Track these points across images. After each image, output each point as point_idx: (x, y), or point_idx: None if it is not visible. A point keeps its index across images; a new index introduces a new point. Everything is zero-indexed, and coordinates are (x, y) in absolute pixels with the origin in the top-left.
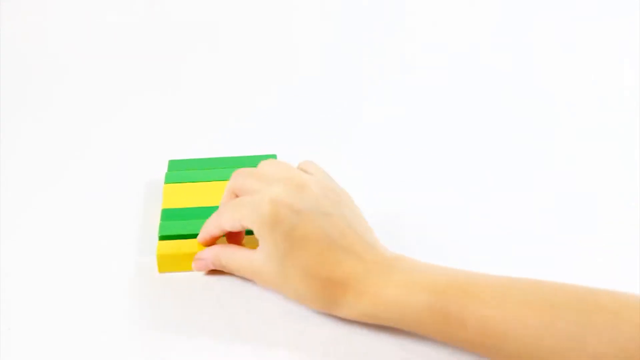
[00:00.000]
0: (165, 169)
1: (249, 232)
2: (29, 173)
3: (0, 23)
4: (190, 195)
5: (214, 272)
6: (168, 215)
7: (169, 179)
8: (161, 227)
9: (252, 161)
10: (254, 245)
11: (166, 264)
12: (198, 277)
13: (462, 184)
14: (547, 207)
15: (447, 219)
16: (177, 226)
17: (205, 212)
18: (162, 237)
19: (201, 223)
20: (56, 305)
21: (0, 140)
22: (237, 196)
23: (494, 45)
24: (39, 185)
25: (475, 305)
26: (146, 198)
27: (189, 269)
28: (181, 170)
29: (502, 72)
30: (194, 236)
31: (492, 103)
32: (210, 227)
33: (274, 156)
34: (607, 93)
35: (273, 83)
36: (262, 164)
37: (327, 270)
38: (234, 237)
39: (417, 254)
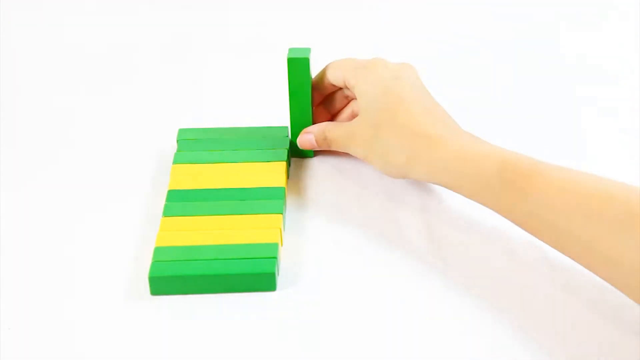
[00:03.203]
0: (174, 137)
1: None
2: (32, 148)
3: None
4: (199, 176)
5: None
6: (174, 196)
7: (178, 159)
8: (166, 208)
9: (263, 132)
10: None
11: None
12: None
13: None
14: None
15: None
16: (183, 208)
17: (213, 195)
18: (166, 216)
19: (207, 205)
20: (57, 299)
21: (4, 112)
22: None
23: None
24: (43, 161)
25: (539, 179)
26: (155, 168)
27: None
28: (190, 151)
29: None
30: (198, 217)
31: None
32: (316, 79)
33: (285, 128)
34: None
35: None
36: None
37: (420, 127)
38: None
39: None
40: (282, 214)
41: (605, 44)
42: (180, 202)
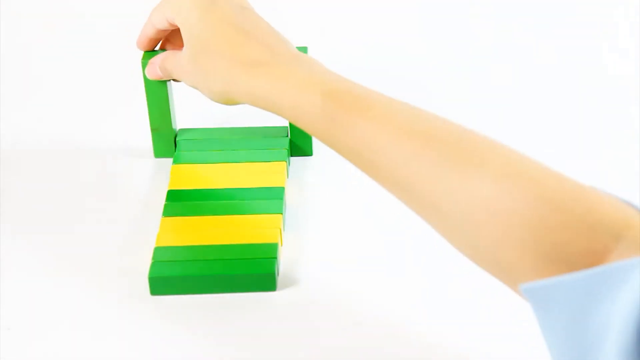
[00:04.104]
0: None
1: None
2: (32, 148)
3: None
4: (199, 176)
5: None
6: (174, 196)
7: (178, 159)
8: (166, 208)
9: (263, 132)
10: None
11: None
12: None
13: None
14: None
15: None
16: (182, 208)
17: (213, 195)
18: (166, 216)
19: (207, 205)
20: (57, 299)
21: (3, 111)
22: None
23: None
24: (43, 160)
25: (362, 115)
26: (155, 168)
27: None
28: (190, 151)
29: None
30: (198, 217)
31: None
32: (145, 28)
33: (285, 128)
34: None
35: None
36: None
37: (236, 52)
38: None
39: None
40: (282, 214)
41: (606, 43)
42: (180, 202)
